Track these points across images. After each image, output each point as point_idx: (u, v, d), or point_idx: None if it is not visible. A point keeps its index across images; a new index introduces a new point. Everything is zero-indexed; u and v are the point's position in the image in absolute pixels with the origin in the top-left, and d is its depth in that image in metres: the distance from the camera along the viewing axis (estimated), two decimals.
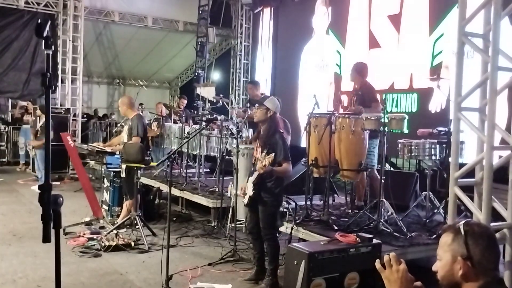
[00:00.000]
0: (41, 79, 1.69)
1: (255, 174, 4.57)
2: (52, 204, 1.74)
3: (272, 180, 4.58)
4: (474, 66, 4.47)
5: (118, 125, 9.60)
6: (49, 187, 1.74)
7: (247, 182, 4.77)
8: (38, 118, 10.27)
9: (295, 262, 3.77)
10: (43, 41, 1.68)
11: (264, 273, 4.76)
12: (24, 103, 12.56)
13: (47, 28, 1.66)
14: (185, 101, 10.41)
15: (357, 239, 4.05)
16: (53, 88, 2.22)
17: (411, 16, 9.07)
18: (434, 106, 8.39)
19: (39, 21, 1.69)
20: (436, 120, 7.57)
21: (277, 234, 4.84)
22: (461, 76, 3.87)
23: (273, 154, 4.36)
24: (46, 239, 1.75)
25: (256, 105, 4.79)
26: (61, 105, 12.38)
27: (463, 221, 1.87)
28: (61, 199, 1.79)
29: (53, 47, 1.72)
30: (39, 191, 1.75)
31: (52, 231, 1.82)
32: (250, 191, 4.62)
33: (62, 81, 12.49)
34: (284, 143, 4.61)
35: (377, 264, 1.97)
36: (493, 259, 1.79)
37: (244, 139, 7.15)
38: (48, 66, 1.71)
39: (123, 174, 6.42)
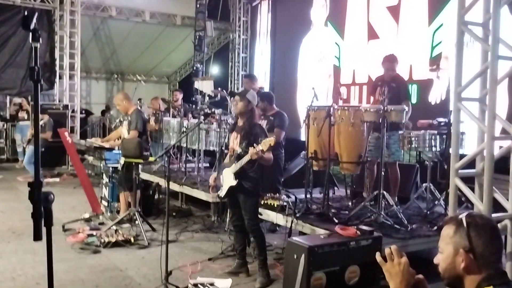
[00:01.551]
0: (29, 73, 1.64)
1: (237, 165, 4.54)
2: (43, 201, 1.70)
3: (254, 169, 4.58)
4: (474, 55, 4.42)
5: (117, 120, 9.55)
6: (39, 184, 1.70)
7: (221, 174, 4.76)
8: None
9: (295, 256, 3.74)
10: (30, 33, 1.64)
11: (245, 266, 4.85)
12: (19, 100, 12.46)
13: (34, 20, 1.61)
14: (179, 94, 10.22)
15: (357, 232, 4.01)
16: (41, 82, 2.17)
17: (410, 6, 9.00)
18: (434, 97, 8.35)
19: (26, 13, 1.64)
20: (436, 111, 7.51)
21: (260, 224, 4.86)
22: (461, 66, 3.83)
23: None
24: (37, 237, 1.71)
25: (237, 97, 4.77)
26: (59, 101, 12.34)
27: (465, 213, 1.83)
28: (52, 196, 1.74)
29: (41, 40, 1.67)
30: (29, 188, 1.71)
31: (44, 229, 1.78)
32: (231, 181, 4.59)
33: (60, 77, 12.43)
34: (266, 133, 4.68)
35: (378, 257, 1.94)
36: (495, 251, 1.75)
37: None
38: (36, 59, 1.67)
39: (120, 168, 6.35)
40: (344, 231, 4.00)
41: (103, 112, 15.79)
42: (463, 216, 1.79)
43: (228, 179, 4.65)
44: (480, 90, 3.93)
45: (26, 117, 11.49)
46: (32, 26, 1.61)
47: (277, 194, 5.76)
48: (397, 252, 1.90)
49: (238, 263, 4.88)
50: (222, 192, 4.75)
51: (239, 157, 4.56)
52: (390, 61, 6.06)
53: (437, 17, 8.40)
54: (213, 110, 7.23)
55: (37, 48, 1.67)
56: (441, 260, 1.81)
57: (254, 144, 4.38)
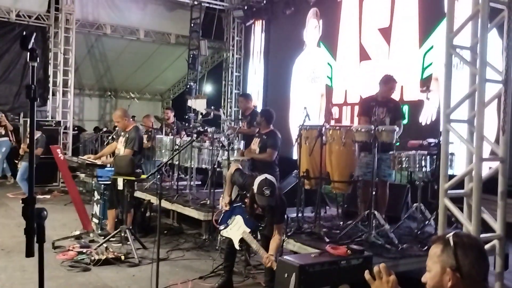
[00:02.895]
0: (26, 91, 1.67)
1: (247, 237, 4.60)
2: (36, 217, 1.71)
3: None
4: (464, 77, 4.49)
5: (110, 137, 9.54)
6: (33, 200, 1.71)
7: (234, 219, 4.79)
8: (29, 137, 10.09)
9: (286, 275, 3.74)
10: (28, 53, 1.67)
11: (230, 283, 4.87)
12: None
13: (32, 40, 1.65)
14: (170, 113, 10.17)
15: (348, 251, 4.02)
16: (37, 101, 2.18)
17: (401, 29, 9.16)
18: (425, 118, 8.45)
19: (24, 33, 1.68)
20: (427, 132, 7.60)
21: None
22: (450, 88, 3.90)
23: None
24: (29, 253, 1.72)
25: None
26: (52, 118, 12.32)
27: (452, 232, 1.86)
28: (45, 212, 1.75)
29: (38, 59, 1.71)
30: (23, 205, 1.72)
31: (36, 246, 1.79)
32: (236, 239, 4.69)
33: (53, 94, 12.44)
34: (280, 206, 4.64)
35: (367, 275, 1.96)
36: (482, 270, 1.79)
37: (236, 150, 7.16)
38: (33, 78, 1.70)
39: (120, 187, 6.32)
40: (335, 250, 4.01)
41: (96, 129, 15.77)
42: (450, 235, 1.82)
43: (235, 232, 4.72)
44: (468, 112, 4.00)
45: (3, 132, 11.38)
46: (30, 46, 1.65)
47: None
48: (386, 270, 1.92)
49: (225, 279, 4.89)
50: (225, 234, 4.83)
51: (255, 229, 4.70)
52: (394, 81, 6.01)
53: (428, 39, 8.54)
54: (206, 128, 7.27)
55: (35, 67, 1.70)
56: (428, 278, 1.84)
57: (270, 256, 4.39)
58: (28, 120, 10.82)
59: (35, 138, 9.74)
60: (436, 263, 1.81)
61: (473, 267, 1.76)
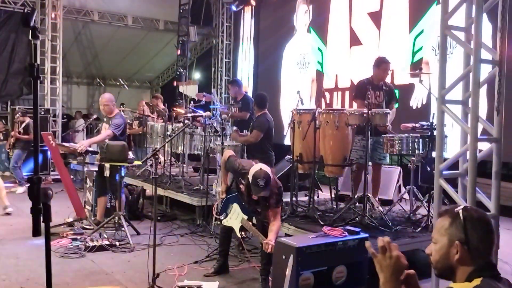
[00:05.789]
0: (29, 70, 1.64)
1: (246, 225, 4.59)
2: (42, 197, 1.70)
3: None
4: (453, 63, 4.51)
5: (100, 125, 9.45)
6: (39, 180, 1.70)
7: (232, 207, 4.79)
8: (19, 123, 9.84)
9: (283, 257, 3.76)
10: (30, 30, 1.64)
11: (226, 267, 4.92)
12: None
13: (34, 17, 1.62)
14: (155, 100, 10.03)
15: (345, 232, 4.05)
16: (41, 79, 2.12)
17: (391, 13, 9.16)
18: (415, 101, 8.49)
19: (26, 10, 1.65)
20: (417, 116, 7.64)
21: None
22: (445, 69, 3.91)
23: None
24: (36, 232, 1.71)
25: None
26: (40, 106, 12.16)
27: (461, 206, 1.88)
28: (50, 192, 1.74)
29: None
30: (28, 184, 1.70)
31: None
32: (236, 227, 4.69)
33: (41, 82, 12.26)
34: (276, 191, 4.55)
35: (370, 248, 1.91)
36: (489, 244, 1.81)
37: (228, 136, 7.14)
38: (35, 56, 1.67)
39: (106, 174, 6.30)
40: (331, 232, 4.04)
41: (84, 116, 15.62)
42: (459, 209, 1.84)
43: (234, 220, 4.72)
44: (462, 93, 4.02)
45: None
46: (32, 24, 1.62)
47: None
48: (390, 245, 1.91)
49: (221, 263, 4.93)
50: (226, 223, 4.82)
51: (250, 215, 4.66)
52: (386, 62, 6.02)
53: (418, 24, 8.57)
54: (199, 113, 7.23)
55: (37, 45, 1.67)
56: (434, 250, 1.86)
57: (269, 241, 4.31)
58: (17, 107, 10.71)
59: (25, 123, 9.60)
60: (443, 235, 1.82)
61: (481, 241, 1.78)
